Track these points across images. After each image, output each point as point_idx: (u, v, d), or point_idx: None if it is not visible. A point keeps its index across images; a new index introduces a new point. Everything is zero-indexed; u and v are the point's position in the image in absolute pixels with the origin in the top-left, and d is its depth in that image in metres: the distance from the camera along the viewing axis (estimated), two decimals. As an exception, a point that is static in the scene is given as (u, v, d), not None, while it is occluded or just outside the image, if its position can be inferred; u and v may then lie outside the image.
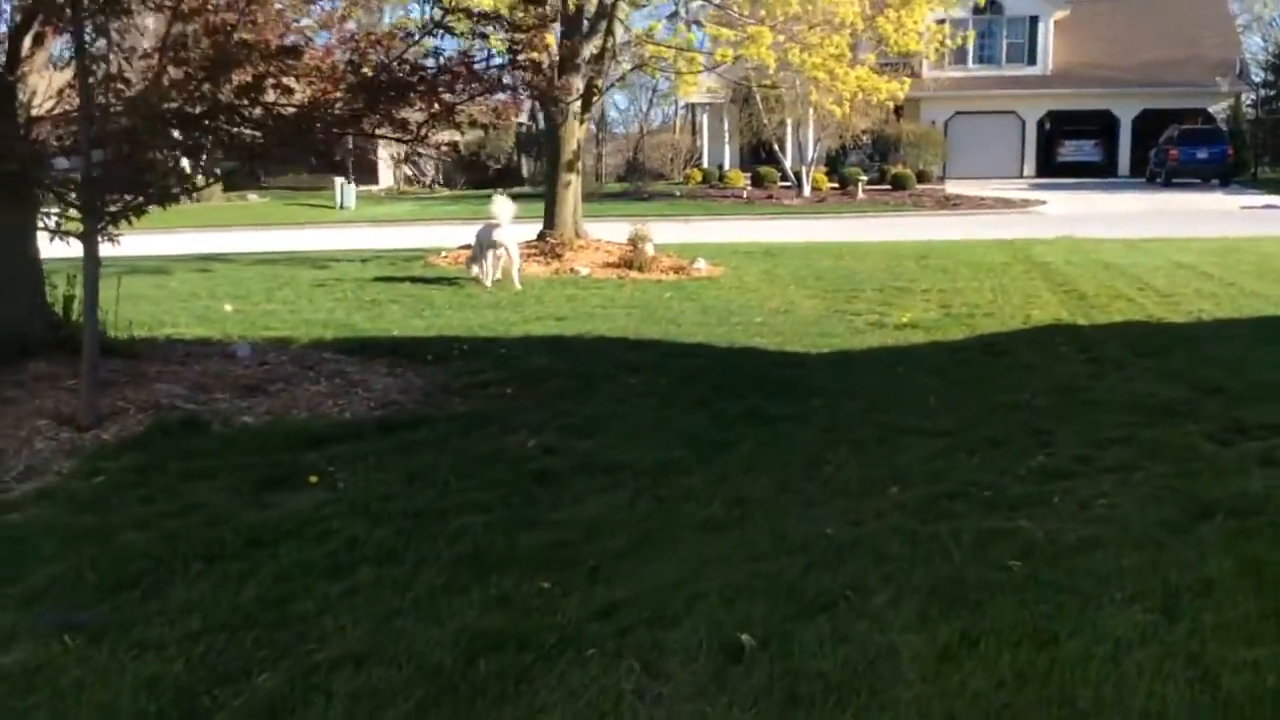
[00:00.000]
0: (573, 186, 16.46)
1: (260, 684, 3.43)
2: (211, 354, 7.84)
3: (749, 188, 39.96)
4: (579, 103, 16.26)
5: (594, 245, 16.16)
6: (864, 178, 38.04)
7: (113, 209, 6.14)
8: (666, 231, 25.33)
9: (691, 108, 51.12)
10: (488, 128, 8.47)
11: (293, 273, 15.09)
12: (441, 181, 49.65)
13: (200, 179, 6.74)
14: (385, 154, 47.35)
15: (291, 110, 6.68)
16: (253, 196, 43.22)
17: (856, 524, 5.03)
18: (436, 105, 7.15)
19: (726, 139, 44.68)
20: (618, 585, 4.30)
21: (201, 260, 17.76)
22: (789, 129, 40.21)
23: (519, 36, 7.42)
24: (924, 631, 3.87)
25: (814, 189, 38.41)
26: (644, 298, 12.66)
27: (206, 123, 6.72)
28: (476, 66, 7.18)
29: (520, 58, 7.53)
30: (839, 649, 3.75)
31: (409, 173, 48.23)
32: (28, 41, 6.70)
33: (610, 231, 17.91)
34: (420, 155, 40.06)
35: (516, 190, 43.25)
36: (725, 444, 6.35)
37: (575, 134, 16.36)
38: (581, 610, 4.03)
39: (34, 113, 6.98)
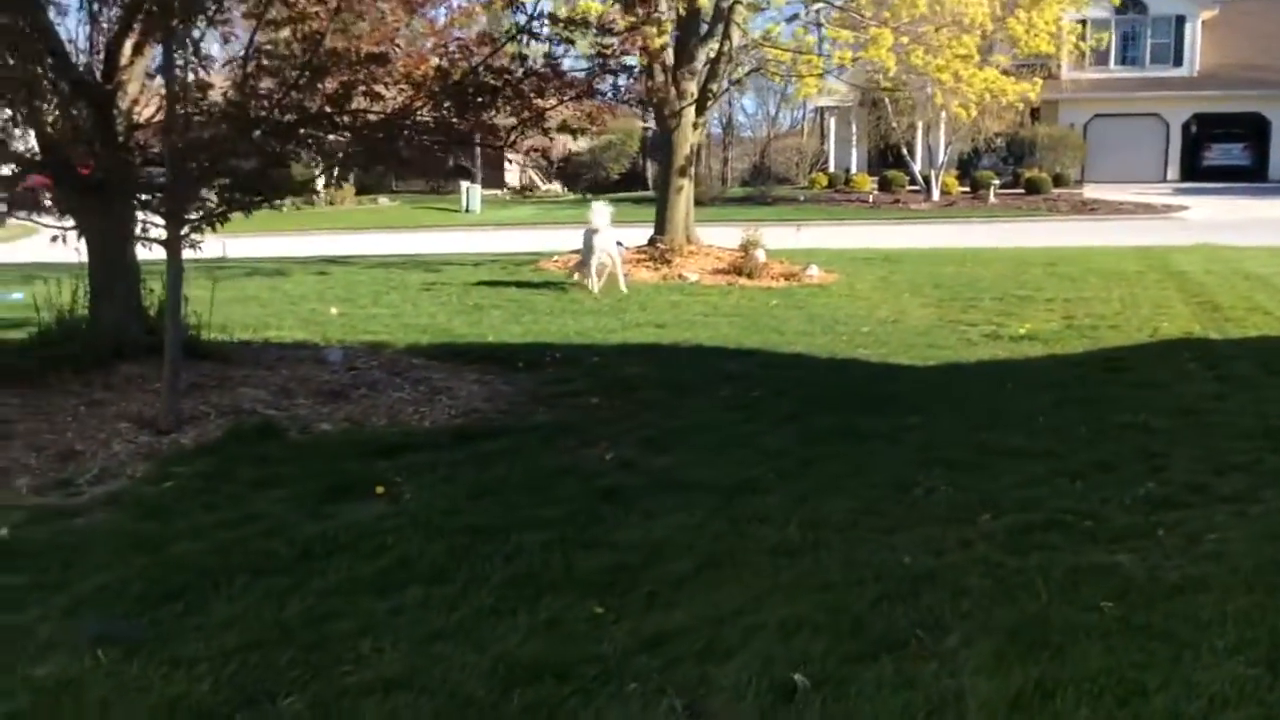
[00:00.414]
0: (684, 192, 16.26)
1: (284, 707, 3.32)
2: (304, 358, 7.89)
3: (875, 192, 39.24)
4: (693, 107, 16.06)
5: (704, 251, 15.95)
6: (996, 182, 36.94)
7: (194, 216, 6.17)
8: (783, 237, 25.04)
9: (820, 111, 50.41)
10: (576, 133, 8.33)
11: (404, 276, 15.25)
12: (565, 186, 49.99)
13: (284, 189, 6.72)
14: (515, 158, 48.08)
15: (378, 117, 6.65)
16: (383, 200, 44.22)
17: (938, 554, 4.71)
18: (526, 111, 7.04)
19: (854, 142, 43.93)
20: (674, 613, 4.09)
21: (321, 263, 18.10)
22: (919, 132, 39.35)
23: (608, 40, 7.27)
24: (997, 677, 3.56)
25: (943, 193, 37.47)
26: (749, 305, 12.39)
27: (299, 131, 6.73)
28: (565, 71, 7.04)
29: (612, 61, 7.37)
30: (900, 694, 3.47)
31: (532, 177, 48.62)
32: (127, 49, 6.81)
33: (728, 237, 17.64)
34: (524, 161, 40.75)
35: (640, 194, 43.40)
36: (810, 462, 6.07)
37: (688, 138, 16.17)
38: (630, 639, 3.83)
39: (135, 119, 7.10)
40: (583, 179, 48.13)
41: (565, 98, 7.23)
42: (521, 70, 7.02)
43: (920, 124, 38.46)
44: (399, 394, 7.13)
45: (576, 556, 4.58)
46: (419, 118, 6.73)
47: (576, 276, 13.55)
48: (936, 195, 37.21)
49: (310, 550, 4.47)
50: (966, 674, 3.59)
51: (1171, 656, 3.67)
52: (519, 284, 14.07)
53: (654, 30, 10.34)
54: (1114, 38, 37.30)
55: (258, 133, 6.31)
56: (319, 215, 40.30)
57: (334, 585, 4.16)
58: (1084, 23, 31.73)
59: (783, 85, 59.04)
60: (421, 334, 9.85)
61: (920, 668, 3.65)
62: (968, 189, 37.80)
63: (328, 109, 6.75)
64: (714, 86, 16.31)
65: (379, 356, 8.42)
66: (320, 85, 6.68)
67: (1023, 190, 36.86)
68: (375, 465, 5.67)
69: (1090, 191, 36.45)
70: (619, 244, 16.78)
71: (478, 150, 47.04)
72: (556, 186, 49.76)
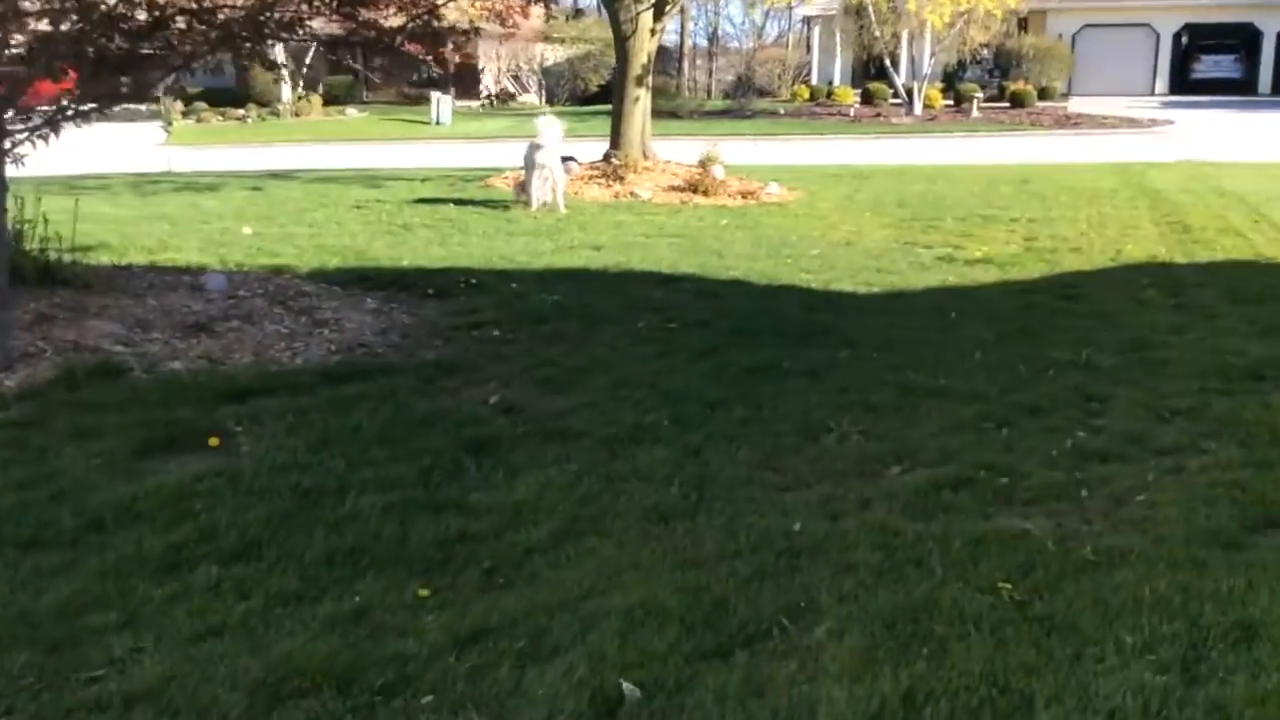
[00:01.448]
0: (641, 103, 15.42)
1: (-7, 730, 2.77)
2: (180, 285, 7.23)
3: (856, 105, 38.21)
4: (650, 11, 15.17)
5: (661, 168, 15.19)
6: (979, 95, 35.96)
7: (19, 132, 5.47)
8: (755, 152, 24.23)
9: (806, 21, 49.08)
10: (468, 34, 7.54)
11: (342, 192, 14.50)
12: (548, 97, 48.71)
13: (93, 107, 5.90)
14: (489, 69, 46.72)
15: (240, 13, 5.89)
16: (351, 111, 43.01)
17: (833, 518, 4.15)
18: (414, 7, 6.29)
19: (838, 54, 42.74)
20: (508, 596, 3.53)
21: (262, 178, 17.31)
22: (903, 43, 38.24)
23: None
24: (861, 683, 3.01)
25: (926, 107, 36.47)
26: (697, 225, 11.72)
27: (155, 33, 5.97)
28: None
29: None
30: (744, 706, 2.93)
31: (507, 87, 47.37)
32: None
33: (696, 152, 16.79)
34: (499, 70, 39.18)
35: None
36: (716, 405, 5.49)
37: (645, 46, 15.28)
38: (445, 634, 3.27)
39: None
40: (561, 90, 46.90)
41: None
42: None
43: (905, 34, 37.35)
44: (276, 326, 6.50)
45: (416, 524, 4.01)
46: (281, 15, 5.97)
47: (522, 196, 12.83)
48: (919, 109, 36.20)
49: (100, 519, 3.89)
50: (827, 679, 3.04)
51: (1070, 656, 3.13)
52: (460, 202, 13.34)
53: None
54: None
55: (104, 36, 5.58)
56: (283, 126, 39.24)
57: (113, 565, 3.58)
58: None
59: (768, -8, 57.67)
60: (332, 257, 9.18)
61: (776, 669, 3.11)
62: (951, 102, 36.83)
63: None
64: (672, -11, 15.40)
65: (271, 283, 7.77)
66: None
67: (1007, 104, 35.89)
68: (218, 412, 5.07)
69: (1076, 105, 35.51)
70: (570, 160, 16.07)
71: (451, 58, 45.91)
72: (533, 97, 48.47)
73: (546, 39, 47.58)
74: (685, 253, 9.97)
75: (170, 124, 39.37)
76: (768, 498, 4.38)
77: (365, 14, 6.36)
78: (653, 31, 15.35)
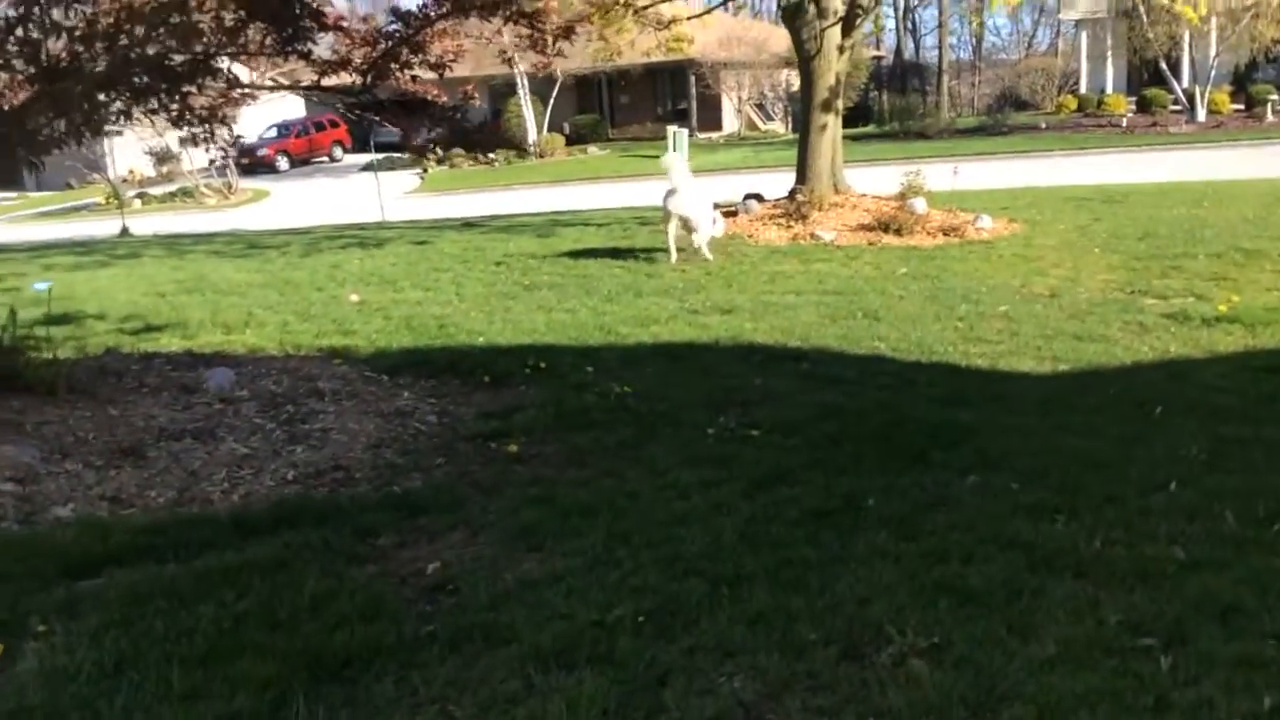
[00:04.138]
0: (829, 131, 13.55)
1: None
2: (169, 385, 6.10)
3: (1130, 114, 34.51)
4: (837, 26, 13.32)
5: (853, 203, 13.25)
6: (1275, 96, 31.65)
7: None
8: (993, 174, 21.74)
9: (1076, 26, 45.36)
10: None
11: (503, 245, 13.35)
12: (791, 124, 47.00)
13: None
14: (729, 100, 45.47)
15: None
16: (593, 149, 42.84)
17: None
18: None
19: (1109, 60, 38.95)
20: None
21: (449, 229, 16.59)
22: (1184, 44, 34.29)
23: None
24: None
25: (1211, 112, 32.49)
26: (867, 276, 9.80)
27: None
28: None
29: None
30: None
31: (751, 117, 46.05)
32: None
33: (937, 179, 14.67)
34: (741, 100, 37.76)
35: (860, 130, 40.02)
36: (735, 582, 3.74)
37: (833, 65, 13.42)
38: None
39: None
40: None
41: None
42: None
43: (1185, 35, 33.43)
44: (239, 445, 5.21)
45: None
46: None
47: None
48: (1202, 115, 32.28)
49: None
50: None
51: None
52: (617, 252, 11.90)
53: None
54: None
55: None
56: (527, 169, 39.43)
57: None
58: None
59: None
60: (410, 334, 7.92)
61: None
62: (1242, 106, 32.64)
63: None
64: (864, 0, 13.48)
65: (297, 374, 6.55)
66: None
67: (1310, 105, 31.40)
68: (40, 596, 3.75)
69: (1397, 103, 30.64)
70: (752, 199, 14.40)
71: (691, 93, 45.03)
72: (778, 126, 46.85)
73: (789, 64, 45.95)
74: (832, 316, 8.13)
75: (425, 171, 40.40)
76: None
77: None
78: (841, 49, 13.46)
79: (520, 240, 13.82)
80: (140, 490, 4.66)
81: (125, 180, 38.55)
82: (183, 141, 5.99)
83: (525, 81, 41.44)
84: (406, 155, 42.64)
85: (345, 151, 48.30)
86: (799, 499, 4.49)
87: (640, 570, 3.87)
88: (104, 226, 26.19)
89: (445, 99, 6.90)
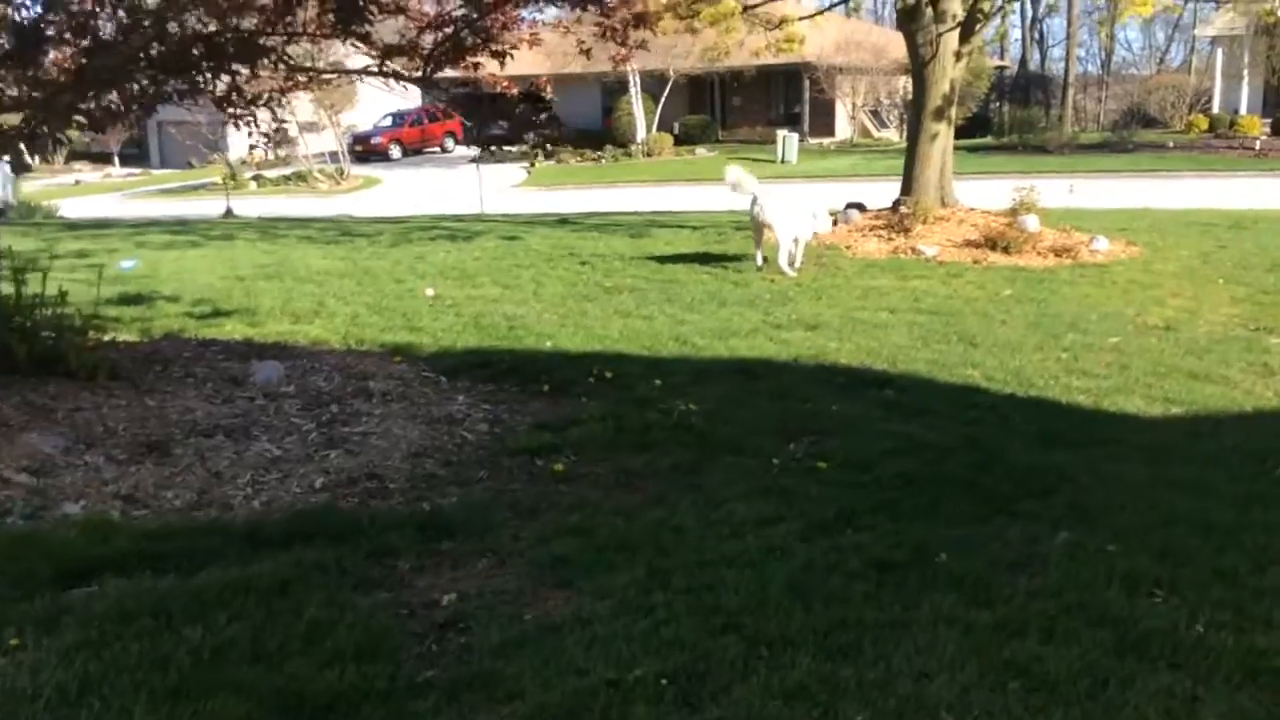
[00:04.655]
0: (940, 141, 12.90)
1: None
2: (215, 376, 5.86)
3: (1265, 136, 32.83)
4: (955, 31, 12.69)
5: (960, 217, 12.58)
6: None
7: None
8: (1120, 193, 20.74)
9: (1212, 43, 43.48)
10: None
11: (593, 244, 13.02)
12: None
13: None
14: (843, 105, 44.62)
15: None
16: (701, 150, 42.36)
17: None
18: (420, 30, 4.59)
19: (1244, 79, 37.19)
20: None
21: (541, 225, 16.34)
22: (1330, 61, 32.53)
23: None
24: None
25: (1356, 136, 30.71)
26: (968, 296, 9.21)
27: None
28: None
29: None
30: None
31: (865, 123, 45.14)
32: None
33: (1049, 196, 13.84)
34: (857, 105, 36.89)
35: (979, 141, 38.87)
36: (776, 644, 3.32)
37: (948, 72, 12.77)
38: None
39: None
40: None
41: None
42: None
43: (1330, 53, 31.71)
44: (270, 445, 4.93)
45: None
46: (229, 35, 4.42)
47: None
48: (1343, 140, 30.53)
49: None
50: None
51: None
52: (708, 258, 11.46)
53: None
54: None
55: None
56: (633, 167, 39.13)
57: None
58: None
59: (1179, 13, 51.77)
60: (477, 334, 7.61)
61: None
62: (1391, 130, 30.80)
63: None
64: (985, 4, 12.80)
65: (350, 371, 6.27)
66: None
67: None
68: (23, 606, 3.51)
69: None
70: (854, 208, 13.83)
71: (805, 97, 44.28)
72: (892, 134, 45.79)
73: (907, 71, 44.87)
74: (925, 338, 7.60)
75: (533, 165, 40.45)
76: None
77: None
78: (958, 55, 12.80)
79: (611, 240, 13.47)
80: (157, 490, 4.40)
81: (244, 161, 39.25)
82: (232, 121, 5.71)
83: (637, 79, 41.21)
84: (514, 149, 42.86)
85: (457, 143, 48.69)
86: (862, 547, 4.03)
87: (673, 620, 3.47)
88: (214, 206, 26.60)
89: (515, 91, 6.58)
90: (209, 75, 4.92)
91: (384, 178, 38.21)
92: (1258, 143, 32.05)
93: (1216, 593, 3.63)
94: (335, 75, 7.47)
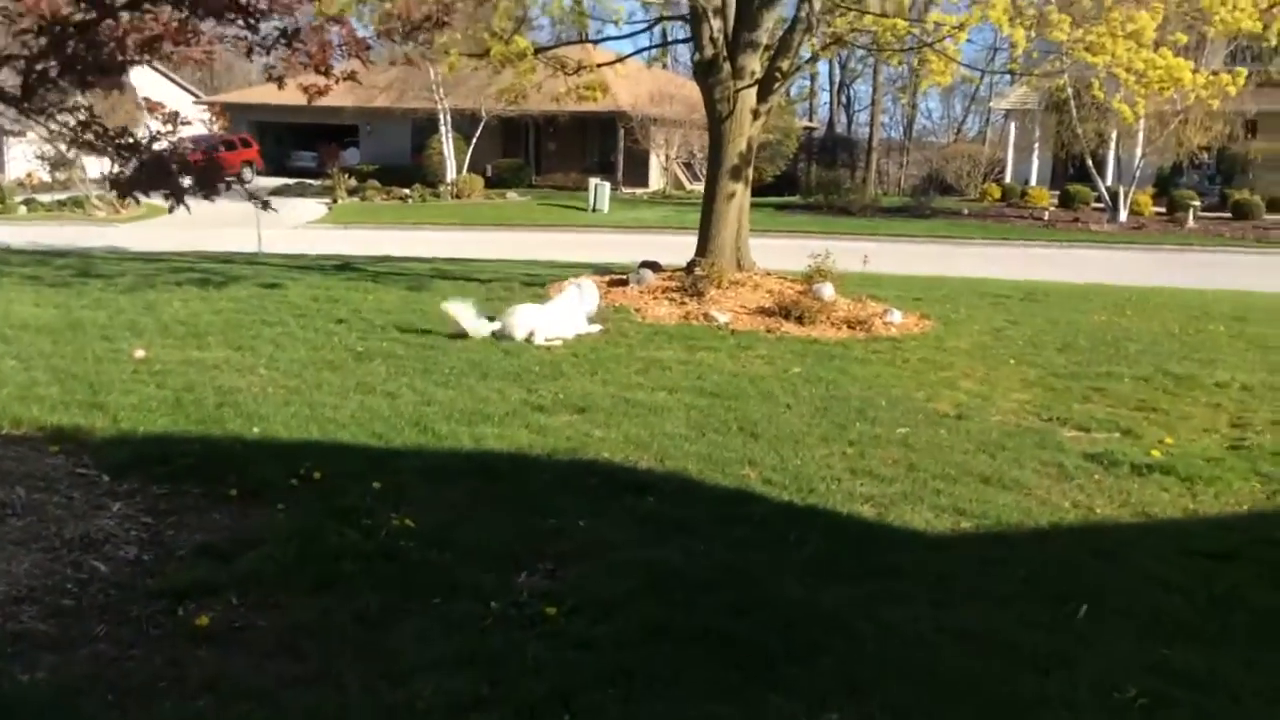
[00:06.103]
0: (736, 201, 12.31)
1: None
2: None
3: (1052, 208, 34.13)
4: (753, 89, 12.14)
5: (755, 281, 11.99)
6: (1197, 203, 31.41)
7: None
8: (917, 259, 20.80)
9: (1006, 116, 45.30)
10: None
11: (358, 296, 11.85)
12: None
13: None
14: (657, 157, 44.52)
15: None
16: (512, 195, 41.41)
17: None
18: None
19: (1035, 152, 38.76)
20: None
21: (316, 271, 15.01)
22: (1110, 142, 34.01)
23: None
24: None
25: (1133, 213, 32.17)
26: (754, 375, 8.49)
27: None
28: None
29: None
30: None
31: (678, 175, 45.19)
32: None
33: (848, 258, 13.34)
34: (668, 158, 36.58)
35: (785, 199, 39.29)
36: None
37: (745, 130, 12.22)
38: None
39: None
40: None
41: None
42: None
43: (1113, 133, 33.12)
44: None
45: None
46: None
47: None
48: (1124, 216, 31.94)
49: None
50: None
51: None
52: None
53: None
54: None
55: None
56: (440, 209, 37.78)
57: None
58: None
59: (976, 87, 53.69)
60: (174, 415, 6.38)
61: None
62: (1164, 210, 32.38)
63: None
64: (784, 63, 12.32)
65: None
66: None
67: (1229, 215, 31.20)
68: None
69: (1315, 219, 30.59)
70: (646, 267, 13.09)
71: (619, 146, 43.94)
72: (703, 186, 45.99)
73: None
74: (702, 426, 6.78)
75: (335, 201, 38.63)
76: None
77: None
78: (755, 114, 12.27)
79: (385, 292, 12.33)
80: None
81: (22, 183, 36.19)
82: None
83: (448, 117, 40.15)
84: (317, 182, 40.94)
85: (256, 174, 46.30)
86: (574, 743, 3.08)
87: None
88: (-32, 232, 24.07)
89: (153, 121, 5.45)
90: None
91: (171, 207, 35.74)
92: (1046, 214, 33.23)
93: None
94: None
